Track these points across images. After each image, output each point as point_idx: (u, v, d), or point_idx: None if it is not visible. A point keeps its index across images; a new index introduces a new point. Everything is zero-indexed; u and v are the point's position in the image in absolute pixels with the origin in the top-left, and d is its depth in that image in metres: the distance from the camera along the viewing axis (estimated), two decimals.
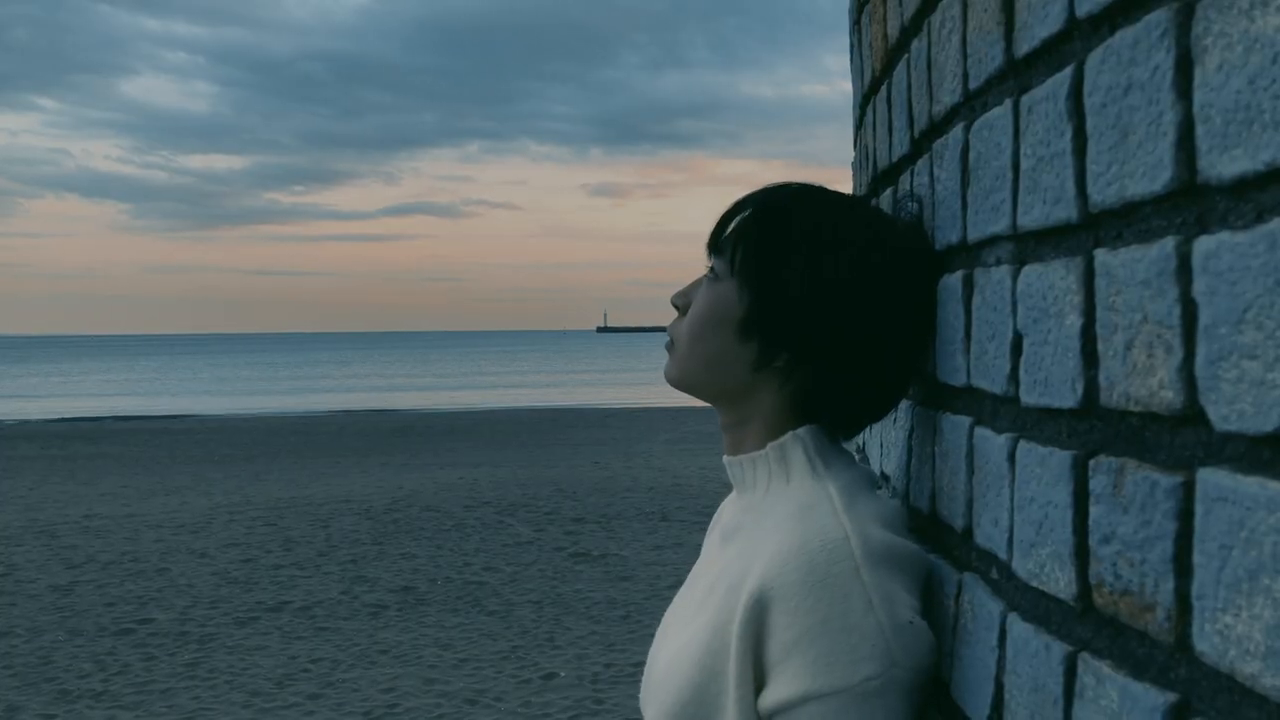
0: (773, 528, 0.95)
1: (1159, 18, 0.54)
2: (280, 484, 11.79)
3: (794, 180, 1.06)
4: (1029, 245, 0.74)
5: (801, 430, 1.00)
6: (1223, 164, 0.49)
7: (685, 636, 0.98)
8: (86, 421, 22.06)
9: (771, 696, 0.88)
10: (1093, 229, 0.63)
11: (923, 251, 1.00)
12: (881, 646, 0.86)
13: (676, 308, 1.06)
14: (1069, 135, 0.65)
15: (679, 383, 1.05)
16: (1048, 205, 0.69)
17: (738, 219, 1.02)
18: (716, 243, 1.03)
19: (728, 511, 1.10)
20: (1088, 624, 0.63)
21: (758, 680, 0.90)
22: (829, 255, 0.97)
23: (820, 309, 0.97)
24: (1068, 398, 0.66)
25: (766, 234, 1.00)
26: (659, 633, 1.09)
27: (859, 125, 1.59)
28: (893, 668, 0.86)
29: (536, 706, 4.85)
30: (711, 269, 1.03)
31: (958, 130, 0.90)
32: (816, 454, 0.99)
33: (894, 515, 0.96)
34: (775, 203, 1.01)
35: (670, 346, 1.06)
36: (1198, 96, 0.51)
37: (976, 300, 0.85)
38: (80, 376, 52.46)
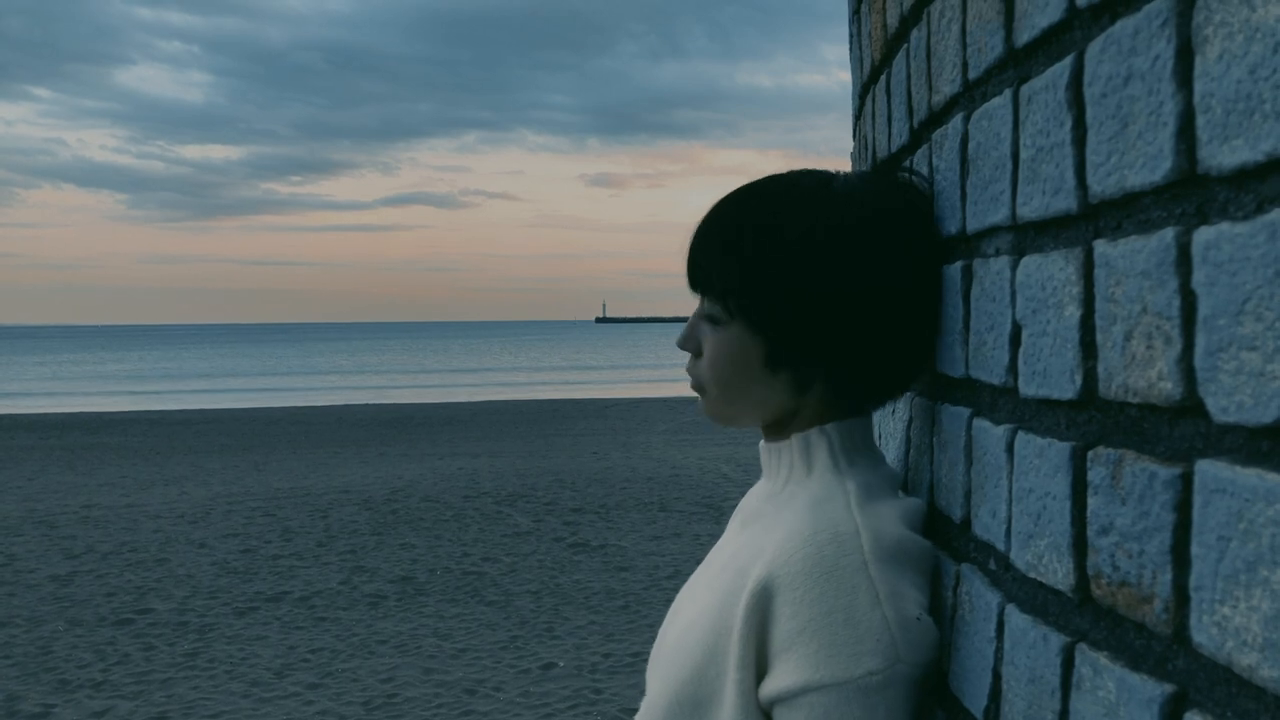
0: (786, 518, 0.95)
1: (1159, 7, 0.54)
2: (279, 474, 11.79)
3: (737, 188, 1.02)
4: (1028, 236, 0.73)
5: (829, 426, 1.00)
6: (1223, 154, 0.49)
7: (692, 615, 0.99)
8: (85, 411, 22.06)
9: (772, 685, 0.88)
10: (1092, 220, 0.63)
11: (891, 209, 0.98)
12: (886, 641, 0.86)
13: (691, 354, 1.03)
14: (1069, 125, 0.65)
15: (723, 424, 1.06)
16: (1047, 196, 0.69)
17: (707, 256, 1.00)
18: (699, 282, 1.01)
19: (752, 497, 1.11)
20: (1085, 615, 0.63)
21: (759, 667, 0.90)
22: (809, 260, 0.95)
23: (830, 314, 0.95)
24: (1066, 389, 0.66)
25: (746, 268, 0.97)
26: (670, 610, 1.11)
27: (858, 115, 1.59)
28: (897, 663, 0.86)
29: (535, 696, 4.86)
30: (706, 314, 1.01)
31: (957, 120, 0.89)
32: (841, 451, 0.99)
33: (912, 514, 0.95)
34: (731, 229, 0.99)
35: (700, 390, 1.04)
36: (1198, 86, 0.51)
37: (975, 291, 0.85)
38: (78, 367, 52.44)
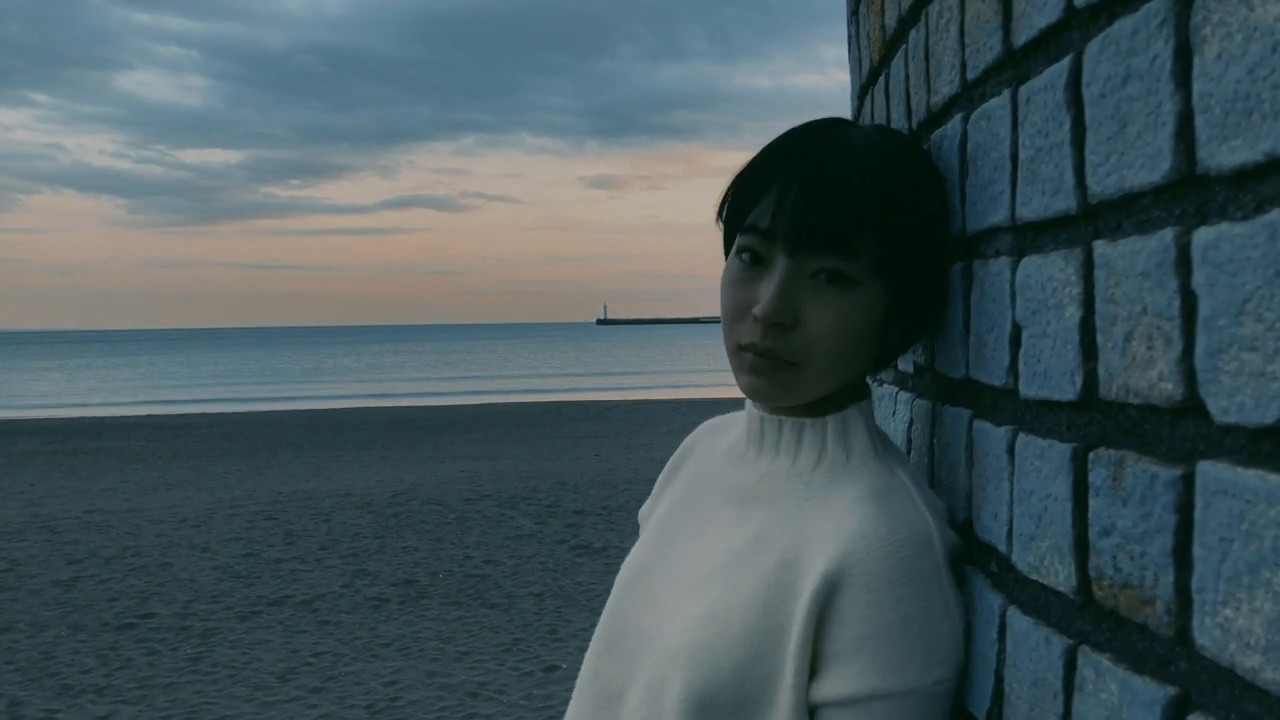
0: (842, 507, 0.88)
1: (1158, 7, 0.54)
2: (281, 478, 11.79)
3: (813, 137, 0.93)
4: (1028, 237, 0.73)
5: (864, 404, 0.95)
6: (1222, 154, 0.48)
7: (714, 608, 0.90)
8: (88, 416, 22.07)
9: (830, 688, 0.83)
10: (1092, 220, 0.63)
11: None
12: (955, 650, 0.84)
13: (781, 325, 0.89)
14: (1068, 126, 0.65)
15: (797, 400, 0.93)
16: (1046, 196, 0.69)
17: (843, 211, 0.88)
18: (824, 241, 0.87)
19: (735, 471, 1.00)
20: (1088, 617, 0.63)
21: (811, 666, 0.85)
22: (936, 204, 0.92)
23: (942, 274, 0.93)
24: (1067, 390, 0.66)
25: (899, 220, 0.89)
26: (638, 589, 1.00)
27: (857, 116, 1.59)
28: (958, 672, 0.84)
29: (539, 699, 4.85)
30: (827, 274, 0.88)
31: (956, 121, 0.89)
32: (876, 432, 0.95)
33: (946, 510, 0.92)
34: (867, 182, 0.89)
35: (785, 366, 0.90)
36: (1197, 86, 0.51)
37: (975, 292, 0.85)
38: (81, 372, 52.47)
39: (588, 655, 1.04)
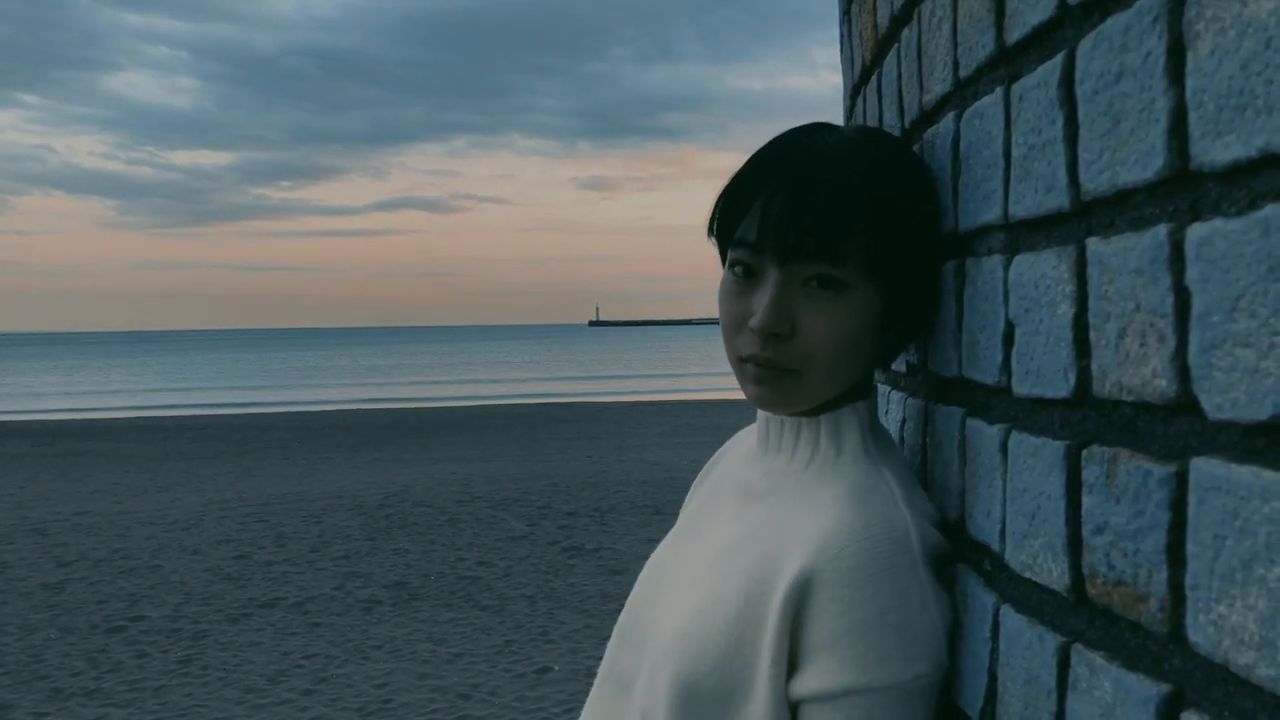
0: (824, 503, 0.90)
1: (1151, 3, 0.54)
2: (272, 480, 11.76)
3: (802, 144, 0.94)
4: (1021, 234, 0.73)
5: (860, 404, 0.96)
6: (1216, 150, 0.48)
7: (704, 600, 0.92)
8: (78, 418, 21.99)
9: (807, 684, 0.84)
10: (1085, 217, 0.63)
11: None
12: (934, 646, 0.84)
13: (778, 335, 0.90)
14: (1060, 123, 0.65)
15: (797, 408, 0.95)
16: (1039, 194, 0.69)
17: (835, 216, 0.88)
18: (816, 248, 0.88)
19: (746, 469, 1.02)
20: (1081, 615, 0.63)
21: (790, 660, 0.86)
22: (930, 206, 0.92)
23: (935, 273, 0.93)
24: (1060, 388, 0.66)
25: (891, 223, 0.89)
26: (652, 582, 1.04)
27: (849, 116, 1.59)
28: (939, 668, 0.84)
29: (531, 700, 4.85)
30: (820, 280, 0.89)
31: (948, 119, 0.89)
32: (870, 431, 0.96)
33: (933, 509, 0.93)
34: (859, 187, 0.89)
35: (787, 374, 0.91)
36: (1190, 82, 0.50)
37: (968, 291, 0.85)
38: (71, 374, 52.27)
39: (608, 646, 1.08)
